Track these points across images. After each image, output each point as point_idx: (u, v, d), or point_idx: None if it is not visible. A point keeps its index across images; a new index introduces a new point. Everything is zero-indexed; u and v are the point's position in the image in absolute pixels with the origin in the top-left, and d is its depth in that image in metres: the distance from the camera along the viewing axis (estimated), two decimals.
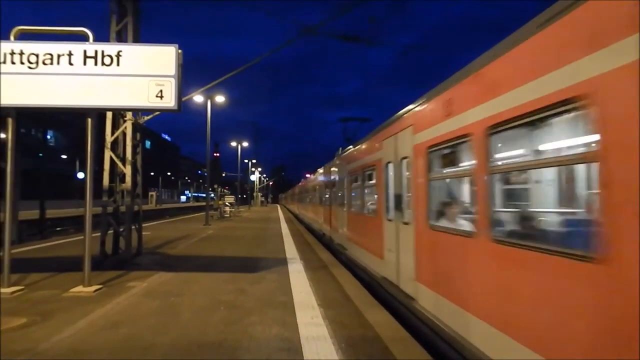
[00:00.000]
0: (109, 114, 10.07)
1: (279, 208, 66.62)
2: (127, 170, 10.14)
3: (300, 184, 42.62)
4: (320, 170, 19.84)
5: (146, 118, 10.81)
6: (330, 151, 16.09)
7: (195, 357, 4.42)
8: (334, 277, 8.88)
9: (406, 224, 6.23)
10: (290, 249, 13.60)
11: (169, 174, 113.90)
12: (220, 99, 27.54)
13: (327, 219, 16.27)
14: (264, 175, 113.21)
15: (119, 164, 10.13)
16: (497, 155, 4.12)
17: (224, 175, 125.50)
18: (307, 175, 40.13)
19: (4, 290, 7.02)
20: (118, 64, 7.10)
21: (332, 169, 15.13)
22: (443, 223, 5.13)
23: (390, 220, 7.20)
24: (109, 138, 10.10)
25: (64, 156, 59.75)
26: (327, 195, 16.65)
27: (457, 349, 4.48)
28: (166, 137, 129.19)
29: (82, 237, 7.74)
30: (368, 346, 4.74)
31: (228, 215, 35.12)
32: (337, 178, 13.82)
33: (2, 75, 6.87)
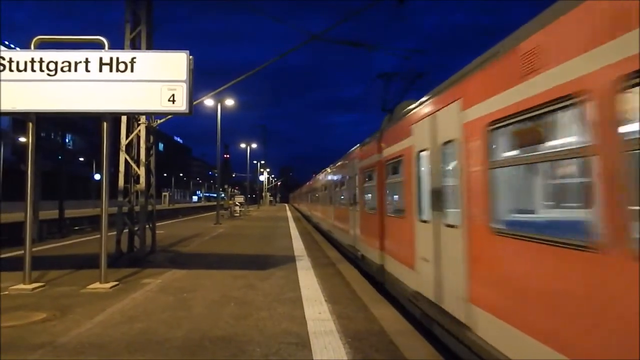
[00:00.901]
0: (124, 118, 10.35)
1: (287, 207, 66.84)
2: (141, 172, 10.40)
3: (309, 182, 36.23)
4: (351, 157, 12.58)
5: (159, 121, 11.07)
6: (334, 153, 14.62)
7: (207, 351, 4.52)
8: (340, 273, 9.03)
9: None
10: (298, 247, 13.76)
11: (181, 174, 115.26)
12: (229, 102, 27.99)
13: (373, 234, 9.07)
14: (272, 176, 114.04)
15: (134, 165, 10.41)
16: None
17: (234, 175, 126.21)
18: (313, 176, 32.46)
19: (25, 286, 7.29)
20: (132, 70, 7.32)
21: (390, 137, 8.03)
22: None
23: None
24: (123, 141, 10.39)
25: (81, 159, 61.35)
26: (368, 195, 9.97)
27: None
28: (178, 139, 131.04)
29: (98, 235, 7.95)
30: (374, 340, 4.82)
31: (238, 215, 35.69)
32: (400, 165, 7.37)
33: (23, 83, 7.17)
